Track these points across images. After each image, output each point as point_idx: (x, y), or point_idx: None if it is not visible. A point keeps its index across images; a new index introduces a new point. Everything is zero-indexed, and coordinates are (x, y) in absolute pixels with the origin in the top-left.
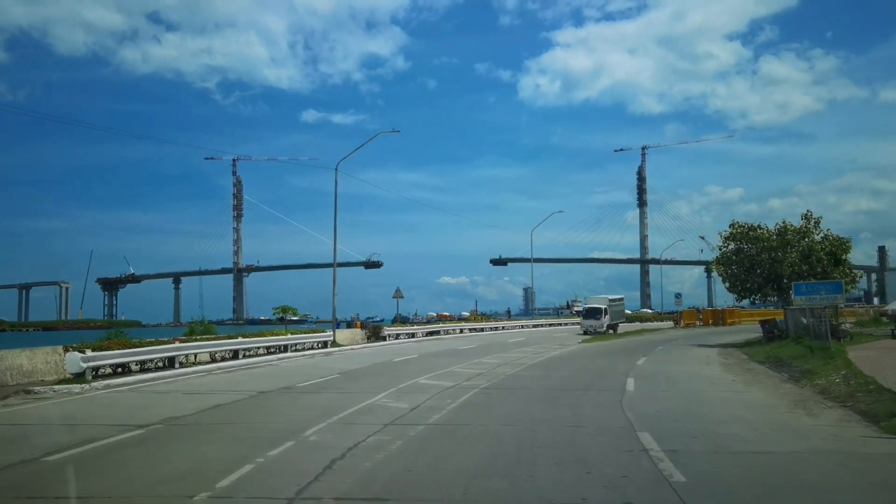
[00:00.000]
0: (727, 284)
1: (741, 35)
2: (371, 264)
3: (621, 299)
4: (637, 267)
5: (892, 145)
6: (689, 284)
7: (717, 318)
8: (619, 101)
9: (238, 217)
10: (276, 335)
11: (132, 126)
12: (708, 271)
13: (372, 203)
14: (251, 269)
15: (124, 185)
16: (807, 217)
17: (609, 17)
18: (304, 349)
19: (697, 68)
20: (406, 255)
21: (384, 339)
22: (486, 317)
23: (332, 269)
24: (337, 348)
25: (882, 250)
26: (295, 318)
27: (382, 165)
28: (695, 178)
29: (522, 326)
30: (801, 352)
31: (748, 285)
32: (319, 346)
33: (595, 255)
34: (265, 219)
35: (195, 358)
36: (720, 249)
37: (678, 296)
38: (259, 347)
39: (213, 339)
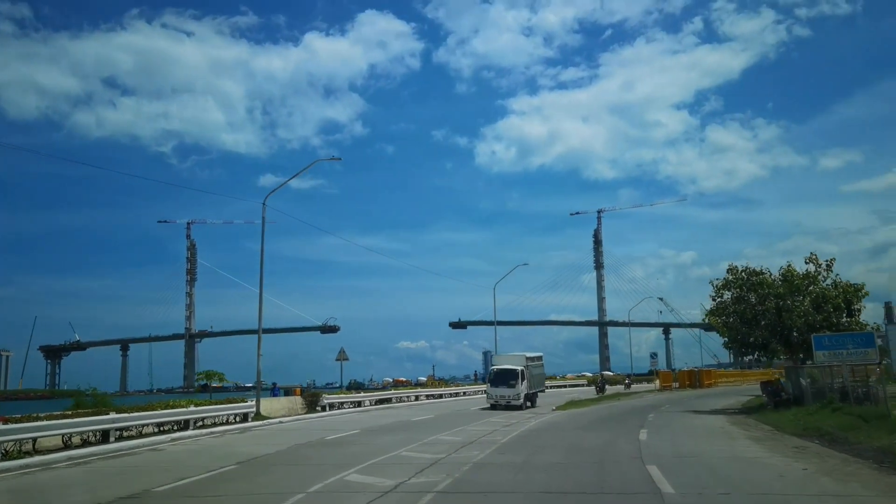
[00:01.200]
0: (725, 339)
1: (688, 105)
2: (328, 329)
3: (540, 357)
4: (595, 329)
5: (833, 210)
6: (646, 347)
7: (694, 379)
8: (574, 167)
9: (191, 281)
10: (179, 406)
11: (84, 191)
12: (666, 333)
13: (330, 268)
14: (204, 334)
15: (74, 252)
16: (813, 260)
17: (562, 85)
18: (216, 424)
19: (648, 136)
20: (365, 320)
21: (324, 408)
22: (443, 382)
23: (288, 333)
24: (260, 422)
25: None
26: (218, 385)
27: (341, 230)
28: (649, 242)
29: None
30: (847, 422)
31: (751, 340)
32: (238, 418)
33: (553, 317)
34: (221, 284)
35: (33, 445)
36: (714, 300)
37: (654, 356)
38: (146, 424)
39: (73, 418)
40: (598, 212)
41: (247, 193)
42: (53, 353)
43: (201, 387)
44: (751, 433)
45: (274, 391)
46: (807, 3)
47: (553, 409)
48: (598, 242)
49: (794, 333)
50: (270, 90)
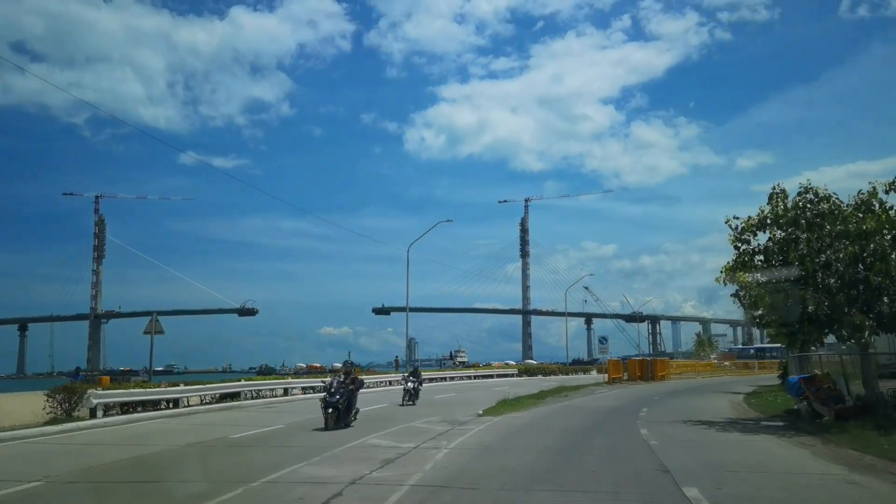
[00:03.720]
0: (765, 319)
1: (615, 100)
2: (245, 311)
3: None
4: (518, 318)
5: (747, 210)
6: (567, 337)
7: (646, 370)
8: (502, 158)
9: (98, 259)
10: None
11: None
12: (588, 323)
13: (253, 250)
14: (112, 315)
15: None
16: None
17: (493, 75)
18: None
19: (575, 129)
20: (288, 304)
21: (93, 413)
22: (358, 369)
23: (205, 315)
24: None
25: None
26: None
27: (265, 212)
28: (572, 234)
29: (444, 379)
30: None
31: (809, 311)
32: None
33: (478, 306)
34: (135, 264)
35: None
36: (738, 248)
37: (603, 340)
38: None
39: None
40: (526, 200)
41: (166, 170)
42: None
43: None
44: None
45: (76, 377)
46: (728, 7)
47: (479, 414)
48: (524, 231)
49: (885, 300)
50: (193, 64)
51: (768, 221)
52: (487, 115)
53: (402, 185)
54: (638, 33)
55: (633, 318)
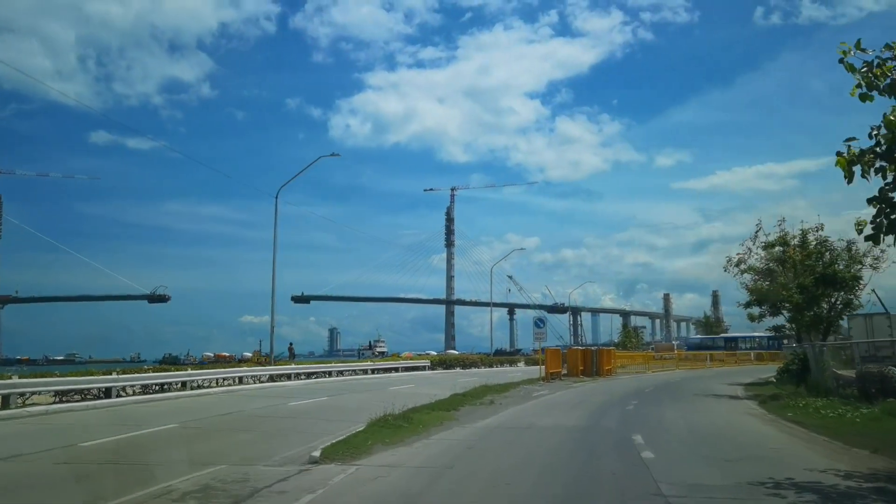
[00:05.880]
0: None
1: (541, 94)
2: (156, 298)
3: None
4: (442, 308)
5: (665, 206)
6: (489, 327)
7: (590, 363)
8: (428, 148)
9: None
10: None
11: None
12: (511, 313)
13: (170, 236)
14: (7, 299)
15: None
16: None
17: (420, 64)
18: None
19: (501, 122)
20: (207, 292)
21: None
22: (267, 358)
23: (110, 301)
24: None
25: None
26: None
27: (184, 197)
28: (497, 226)
29: (330, 373)
30: None
31: None
32: None
33: (402, 295)
34: (38, 247)
35: None
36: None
37: (540, 323)
38: None
39: None
40: (452, 189)
41: (75, 149)
42: None
43: None
44: None
45: None
46: (651, 7)
47: (309, 462)
48: (450, 220)
49: None
50: (107, 39)
51: None
52: (414, 105)
53: (327, 173)
54: (565, 29)
55: (555, 309)
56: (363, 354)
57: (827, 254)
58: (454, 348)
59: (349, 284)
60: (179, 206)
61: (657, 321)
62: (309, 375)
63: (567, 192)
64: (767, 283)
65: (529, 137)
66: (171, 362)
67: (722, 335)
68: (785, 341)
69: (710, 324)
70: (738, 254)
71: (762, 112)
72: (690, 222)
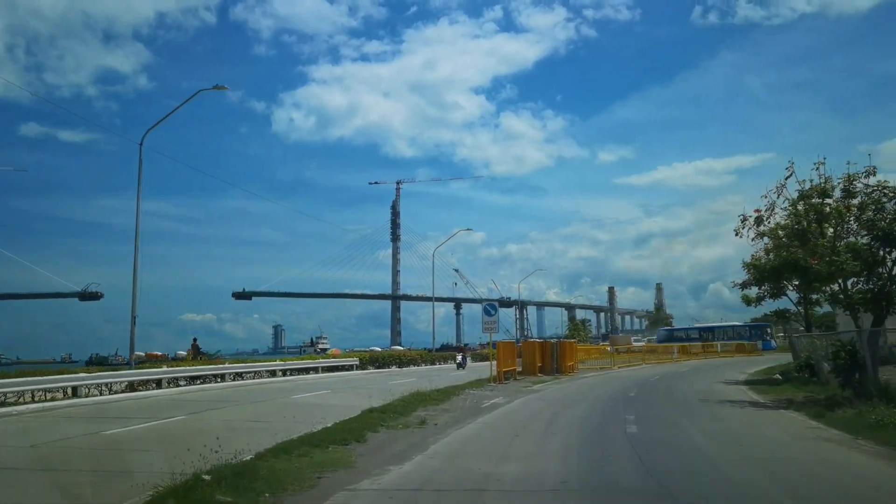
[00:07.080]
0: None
1: (486, 90)
2: (88, 295)
3: None
4: (388, 304)
5: (607, 201)
6: (436, 322)
7: (551, 358)
8: (373, 142)
9: None
10: None
11: None
12: (457, 308)
13: (105, 231)
14: None
15: None
16: None
17: (365, 57)
18: None
19: (446, 117)
20: (146, 289)
21: None
22: (206, 357)
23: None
24: None
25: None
26: None
27: (119, 191)
28: (443, 221)
29: (222, 377)
30: None
31: None
32: None
33: (347, 291)
34: None
35: None
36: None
37: (491, 310)
38: None
39: None
40: (397, 183)
41: (4, 142)
42: None
43: None
44: None
45: None
46: (594, 4)
47: None
48: (395, 214)
49: None
50: (37, 27)
51: None
52: (359, 99)
53: (271, 167)
54: (509, 24)
55: (502, 303)
56: (304, 352)
57: (889, 204)
58: (400, 344)
59: (294, 280)
60: (114, 202)
61: (602, 314)
62: (193, 380)
63: (512, 188)
64: (795, 246)
65: (475, 132)
66: (98, 363)
67: (696, 326)
68: (770, 330)
69: (662, 316)
70: (756, 210)
71: (701, 108)
72: (633, 217)
